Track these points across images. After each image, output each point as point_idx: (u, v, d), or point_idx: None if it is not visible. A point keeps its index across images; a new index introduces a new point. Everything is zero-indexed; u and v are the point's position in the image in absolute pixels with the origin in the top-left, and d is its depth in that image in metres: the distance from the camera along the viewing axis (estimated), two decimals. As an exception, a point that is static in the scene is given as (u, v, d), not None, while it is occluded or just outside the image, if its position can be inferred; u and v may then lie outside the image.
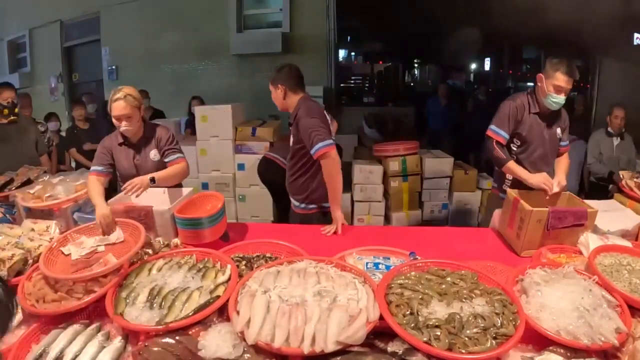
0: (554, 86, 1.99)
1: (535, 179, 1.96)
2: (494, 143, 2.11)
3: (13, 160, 2.55)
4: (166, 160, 2.06)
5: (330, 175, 2.01)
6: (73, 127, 4.40)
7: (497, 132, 2.13)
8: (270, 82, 2.19)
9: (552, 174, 2.23)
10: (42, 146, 3.18)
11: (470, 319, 1.07)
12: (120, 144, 2.05)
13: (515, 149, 2.21)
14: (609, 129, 3.58)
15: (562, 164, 2.24)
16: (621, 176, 2.21)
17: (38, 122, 3.98)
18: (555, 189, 1.93)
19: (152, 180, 1.86)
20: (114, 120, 1.94)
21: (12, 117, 2.86)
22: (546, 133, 2.15)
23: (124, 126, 1.94)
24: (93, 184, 1.89)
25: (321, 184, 2.12)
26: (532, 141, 2.15)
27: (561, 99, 2.01)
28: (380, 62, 11.46)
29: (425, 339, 1.01)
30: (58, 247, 1.52)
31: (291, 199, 2.31)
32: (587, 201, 1.89)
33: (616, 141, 3.57)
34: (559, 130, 2.19)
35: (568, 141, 2.28)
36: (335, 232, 2.01)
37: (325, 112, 2.21)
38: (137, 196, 1.82)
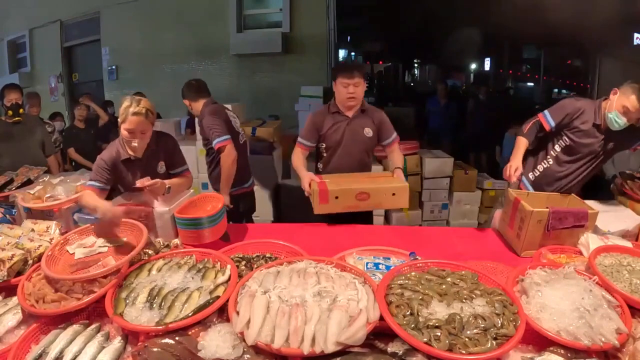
0: (623, 107, 1.88)
1: (514, 162, 1.97)
2: (534, 121, 2.09)
3: (18, 159, 2.57)
4: (172, 171, 2.00)
5: (223, 166, 2.41)
6: (72, 127, 4.41)
7: (546, 116, 2.08)
8: None
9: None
10: (50, 147, 3.20)
11: (470, 319, 1.07)
12: (124, 160, 1.86)
13: (560, 150, 2.12)
14: None
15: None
16: (622, 177, 2.20)
17: (46, 122, 4.00)
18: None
19: (168, 190, 1.84)
20: (124, 132, 1.76)
21: (16, 118, 2.90)
22: (598, 148, 2.03)
23: (135, 142, 1.77)
24: (88, 194, 1.73)
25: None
26: (580, 150, 2.06)
27: (622, 121, 1.90)
28: (380, 62, 11.46)
29: (425, 339, 1.01)
30: (63, 246, 1.52)
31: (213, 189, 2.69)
32: (587, 202, 1.89)
33: None
34: (611, 150, 2.06)
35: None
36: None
37: (227, 111, 2.68)
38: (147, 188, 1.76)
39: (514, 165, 1.95)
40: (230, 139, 2.44)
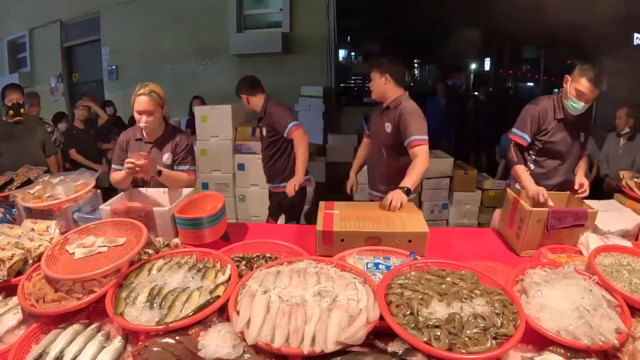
0: (577, 90, 1.96)
1: (533, 188, 1.95)
2: (512, 144, 2.12)
3: (18, 159, 2.58)
4: (177, 168, 2.08)
5: (302, 145, 2.53)
6: (71, 128, 4.41)
7: (517, 134, 2.12)
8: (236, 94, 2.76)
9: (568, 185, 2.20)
10: (50, 147, 3.21)
11: (470, 319, 1.07)
12: (137, 140, 2.08)
13: (534, 154, 2.17)
14: (617, 130, 3.61)
15: (581, 165, 2.21)
16: (621, 176, 2.21)
17: (46, 122, 4.01)
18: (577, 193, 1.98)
19: (159, 173, 1.89)
20: (135, 115, 1.96)
21: (17, 118, 2.91)
22: (570, 138, 2.11)
23: (144, 122, 1.95)
24: (116, 174, 2.01)
25: (294, 163, 2.60)
26: (554, 148, 2.11)
27: (580, 105, 1.98)
28: (381, 62, 11.39)
29: (425, 339, 1.01)
30: (63, 245, 1.52)
31: (269, 185, 2.86)
32: (587, 201, 1.89)
33: (622, 141, 3.57)
34: (582, 135, 2.14)
35: (588, 146, 2.26)
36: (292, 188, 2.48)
37: None
38: (134, 165, 1.80)
39: (540, 192, 1.91)
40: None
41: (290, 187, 2.48)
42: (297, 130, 2.53)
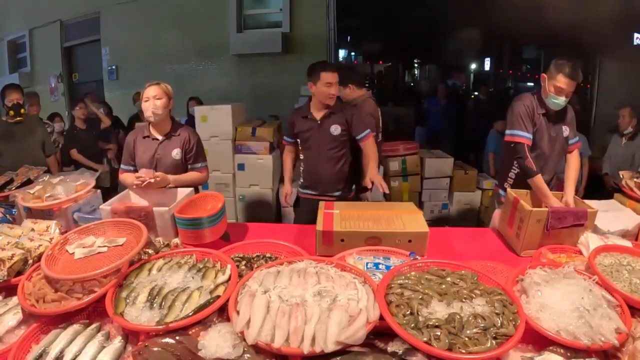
0: (555, 87, 1.96)
1: (556, 204, 1.88)
2: (526, 148, 2.01)
3: (19, 159, 2.58)
4: (191, 165, 2.14)
5: (373, 149, 2.34)
6: (72, 128, 4.39)
7: (522, 135, 2.03)
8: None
9: (555, 181, 2.21)
10: (50, 147, 3.21)
11: (470, 319, 1.07)
12: (144, 137, 2.13)
13: None
14: (620, 129, 3.62)
15: (572, 172, 2.12)
16: (621, 176, 2.21)
17: (45, 122, 4.01)
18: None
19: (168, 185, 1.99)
20: (143, 105, 2.03)
21: (17, 118, 2.91)
22: (553, 132, 2.11)
23: (152, 106, 2.01)
24: (126, 176, 2.07)
25: (357, 169, 2.45)
26: (539, 143, 2.10)
27: (561, 100, 1.98)
28: (380, 62, 11.44)
29: (425, 339, 1.01)
30: (63, 245, 1.52)
31: (331, 194, 2.46)
32: (587, 201, 1.89)
33: (623, 141, 3.59)
34: (565, 129, 2.13)
35: (577, 137, 2.18)
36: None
37: None
38: (141, 182, 1.90)
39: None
40: None
41: (378, 181, 2.10)
42: (371, 138, 2.36)
